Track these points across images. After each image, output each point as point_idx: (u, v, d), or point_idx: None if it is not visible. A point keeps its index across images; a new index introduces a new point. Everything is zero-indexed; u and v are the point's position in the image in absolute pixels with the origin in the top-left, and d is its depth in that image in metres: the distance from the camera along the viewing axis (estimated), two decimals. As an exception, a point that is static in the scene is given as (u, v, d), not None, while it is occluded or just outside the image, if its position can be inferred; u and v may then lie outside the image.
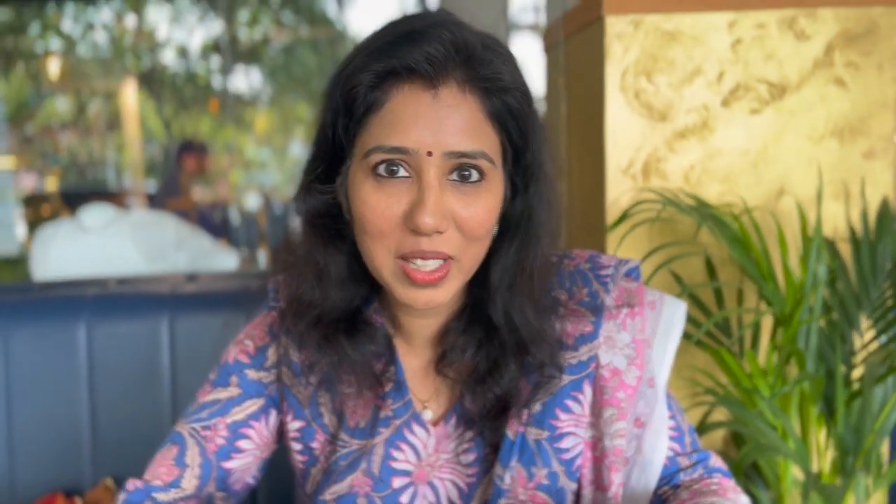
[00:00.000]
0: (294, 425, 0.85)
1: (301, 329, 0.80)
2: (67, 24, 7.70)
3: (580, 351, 0.80)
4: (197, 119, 8.19)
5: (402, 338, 0.83)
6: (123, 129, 7.74)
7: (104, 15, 7.67)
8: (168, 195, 4.59)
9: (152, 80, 7.99)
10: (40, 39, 7.72)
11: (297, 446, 0.85)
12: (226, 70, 7.83)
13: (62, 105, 8.07)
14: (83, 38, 7.75)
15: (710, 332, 1.19)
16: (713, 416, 1.27)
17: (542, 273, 0.76)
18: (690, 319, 1.16)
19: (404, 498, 0.81)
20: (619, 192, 1.28)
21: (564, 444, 0.79)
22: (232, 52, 7.71)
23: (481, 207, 0.70)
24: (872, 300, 1.12)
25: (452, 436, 0.82)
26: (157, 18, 7.77)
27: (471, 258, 0.72)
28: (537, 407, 0.79)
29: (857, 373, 1.18)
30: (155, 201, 4.82)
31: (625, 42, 1.26)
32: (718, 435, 1.33)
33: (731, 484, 0.81)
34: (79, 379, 1.37)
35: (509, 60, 0.71)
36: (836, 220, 1.30)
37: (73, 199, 6.16)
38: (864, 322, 1.14)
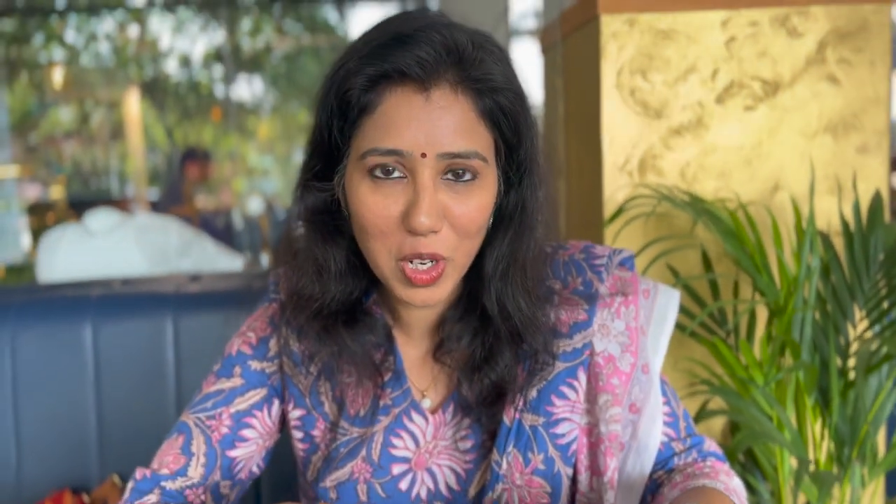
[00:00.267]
0: (295, 414, 0.87)
1: (301, 321, 0.82)
2: (71, 35, 7.74)
3: (575, 338, 0.82)
4: (200, 127, 8.22)
5: (400, 328, 0.85)
6: (127, 137, 7.78)
7: (107, 25, 7.71)
8: (171, 203, 4.62)
9: (155, 90, 8.03)
10: (44, 50, 7.76)
11: (298, 434, 0.87)
12: (228, 79, 7.86)
13: (66, 114, 8.12)
14: (86, 48, 7.79)
15: (704, 324, 1.21)
16: (711, 407, 1.29)
17: (534, 263, 0.78)
18: (687, 311, 1.18)
19: (403, 484, 0.82)
20: (615, 188, 1.30)
21: (560, 429, 0.81)
22: (234, 60, 7.75)
23: (474, 205, 0.72)
24: (865, 291, 1.13)
25: (450, 423, 0.84)
26: (160, 28, 7.80)
27: (464, 255, 0.74)
28: (533, 394, 0.81)
29: (851, 363, 1.19)
30: (158, 209, 4.86)
31: (620, 41, 1.28)
32: (717, 427, 1.34)
33: (724, 467, 0.83)
34: (85, 377, 1.40)
35: (501, 58, 0.73)
36: (830, 215, 1.32)
37: (77, 208, 6.20)
38: (858, 313, 1.16)
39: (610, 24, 1.28)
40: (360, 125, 0.71)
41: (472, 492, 0.82)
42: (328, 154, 0.75)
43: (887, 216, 1.21)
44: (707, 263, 1.25)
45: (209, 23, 7.86)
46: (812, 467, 1.17)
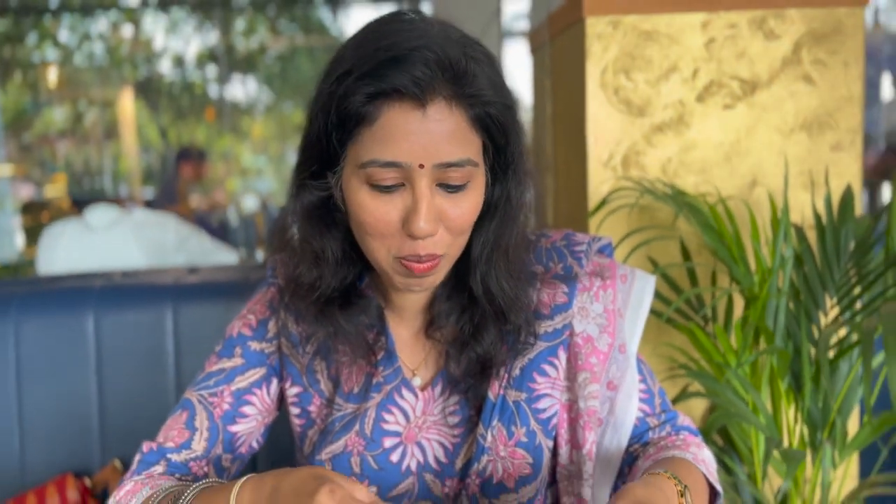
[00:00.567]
0: (293, 391, 0.92)
1: (299, 305, 0.87)
2: (64, 35, 7.76)
3: (556, 319, 0.87)
4: (194, 127, 8.24)
5: (392, 310, 0.90)
6: (121, 137, 7.80)
7: (101, 25, 7.73)
8: (166, 202, 4.65)
9: (149, 90, 8.05)
10: (37, 49, 7.78)
11: (295, 410, 0.92)
12: (222, 79, 7.89)
13: (59, 114, 8.13)
14: (80, 47, 7.81)
15: (682, 311, 1.27)
16: (691, 391, 1.34)
17: (517, 249, 0.84)
18: (666, 300, 1.24)
19: (394, 456, 0.88)
20: (600, 182, 1.36)
21: (541, 404, 0.86)
22: (228, 60, 7.78)
23: (467, 206, 0.77)
24: (836, 280, 1.19)
25: (439, 400, 0.89)
26: (154, 28, 7.82)
27: (457, 249, 0.80)
28: (516, 371, 0.86)
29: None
30: (154, 208, 4.88)
31: (604, 42, 1.34)
32: (698, 412, 1.40)
33: (696, 440, 0.88)
34: (87, 366, 1.44)
35: (491, 67, 0.77)
36: (804, 208, 1.37)
37: (77, 206, 6.22)
38: (829, 301, 1.21)
39: (595, 26, 1.33)
40: (358, 134, 0.74)
41: (458, 464, 0.87)
42: (324, 157, 0.79)
43: (858, 210, 1.27)
44: (686, 255, 1.31)
45: (203, 23, 7.88)
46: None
